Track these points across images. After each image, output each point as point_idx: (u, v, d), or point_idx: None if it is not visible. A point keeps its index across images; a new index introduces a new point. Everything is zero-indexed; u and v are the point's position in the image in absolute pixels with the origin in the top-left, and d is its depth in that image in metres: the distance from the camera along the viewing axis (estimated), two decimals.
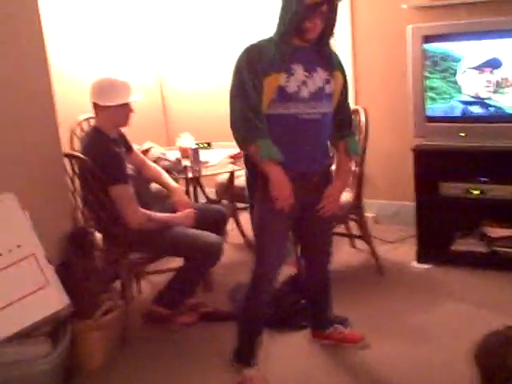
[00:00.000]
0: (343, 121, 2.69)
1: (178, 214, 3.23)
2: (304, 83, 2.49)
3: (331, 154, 2.73)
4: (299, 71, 2.49)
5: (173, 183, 3.43)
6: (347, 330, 3.00)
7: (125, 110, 3.15)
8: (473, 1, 3.75)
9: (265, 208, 2.58)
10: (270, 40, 2.50)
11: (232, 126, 2.51)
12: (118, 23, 4.74)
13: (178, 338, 3.15)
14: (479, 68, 3.47)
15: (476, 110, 3.54)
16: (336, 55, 2.64)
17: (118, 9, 4.74)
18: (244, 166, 2.68)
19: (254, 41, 2.53)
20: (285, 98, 2.47)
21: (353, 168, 3.31)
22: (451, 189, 3.61)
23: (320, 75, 2.53)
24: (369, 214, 4.24)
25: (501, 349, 1.66)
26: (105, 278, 3.29)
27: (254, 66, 2.45)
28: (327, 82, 2.54)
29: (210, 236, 3.12)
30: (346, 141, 2.70)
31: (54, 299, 2.58)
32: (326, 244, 2.86)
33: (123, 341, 3.09)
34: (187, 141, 4.03)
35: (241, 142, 2.51)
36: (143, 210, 3.08)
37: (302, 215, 2.66)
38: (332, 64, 2.57)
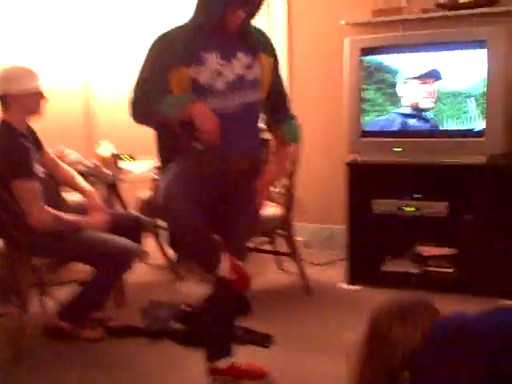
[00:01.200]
0: (278, 105, 2.51)
1: (89, 217, 2.94)
2: (219, 74, 2.30)
3: (264, 139, 2.52)
4: (212, 60, 2.30)
5: (87, 186, 3.15)
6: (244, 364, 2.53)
7: (37, 97, 2.90)
8: (409, 17, 3.73)
9: (180, 172, 2.34)
10: (183, 28, 2.32)
11: (131, 107, 2.36)
12: (47, 20, 4.57)
13: (82, 356, 2.82)
14: (421, 78, 3.38)
15: (413, 123, 3.44)
16: (263, 34, 2.44)
17: (48, 7, 4.54)
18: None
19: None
20: (198, 91, 2.28)
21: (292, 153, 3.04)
22: (384, 206, 3.45)
23: (241, 61, 2.33)
24: (299, 238, 4.05)
25: (385, 322, 1.69)
26: (3, 289, 2.99)
27: (160, 58, 2.30)
28: (249, 67, 2.34)
29: (122, 240, 2.85)
30: (281, 127, 2.51)
31: None
32: (239, 249, 2.49)
33: (17, 355, 2.73)
34: (107, 149, 3.76)
35: (145, 114, 2.35)
36: (49, 209, 2.79)
37: (221, 209, 2.42)
38: (255, 46, 2.37)
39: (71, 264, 3.22)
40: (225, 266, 2.35)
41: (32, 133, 3.02)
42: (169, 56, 2.28)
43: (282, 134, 2.52)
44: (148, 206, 4.10)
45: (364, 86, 3.51)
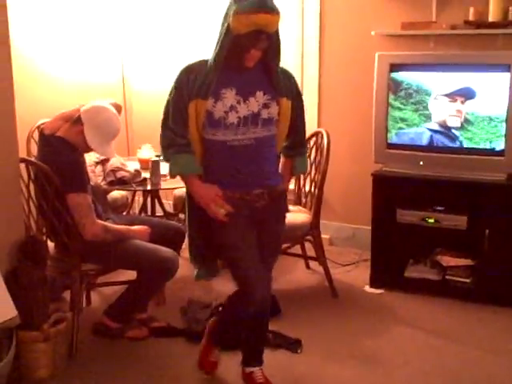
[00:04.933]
0: (294, 143, 2.70)
1: (135, 227, 3.18)
2: (233, 108, 2.44)
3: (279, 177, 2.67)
4: (229, 95, 2.44)
5: None
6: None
7: None
8: (441, 33, 3.84)
9: (215, 227, 2.55)
10: (205, 62, 2.47)
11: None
12: (84, 19, 4.58)
13: (126, 353, 3.10)
14: (449, 96, 3.52)
15: (438, 139, 3.59)
16: (289, 79, 2.58)
17: (85, 4, 4.61)
18: None
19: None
20: (213, 123, 2.45)
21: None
22: (407, 216, 3.65)
23: (258, 100, 2.47)
24: (324, 236, 4.26)
25: None
26: (54, 289, 3.24)
27: (182, 92, 2.46)
28: (266, 106, 2.48)
29: (166, 251, 3.07)
30: (293, 159, 2.73)
31: (1, 309, 2.50)
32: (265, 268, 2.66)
33: (70, 353, 3.01)
34: (147, 152, 3.96)
35: (165, 160, 2.60)
36: (100, 221, 3.03)
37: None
38: (278, 89, 2.50)
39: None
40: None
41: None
42: (188, 89, 2.44)
43: (293, 165, 2.73)
44: (183, 204, 4.33)
45: (392, 100, 3.67)
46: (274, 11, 2.30)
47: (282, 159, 2.73)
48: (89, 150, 3.13)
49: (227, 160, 2.50)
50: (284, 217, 2.74)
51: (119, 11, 4.84)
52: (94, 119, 3.06)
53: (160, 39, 4.87)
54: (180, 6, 4.78)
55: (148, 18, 4.90)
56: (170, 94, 2.52)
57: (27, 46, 4.03)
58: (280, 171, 2.70)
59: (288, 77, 2.59)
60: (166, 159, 2.57)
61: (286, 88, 2.54)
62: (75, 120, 3.06)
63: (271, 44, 2.40)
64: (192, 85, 2.43)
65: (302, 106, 2.68)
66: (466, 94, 3.48)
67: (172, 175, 2.62)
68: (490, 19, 3.63)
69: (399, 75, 3.65)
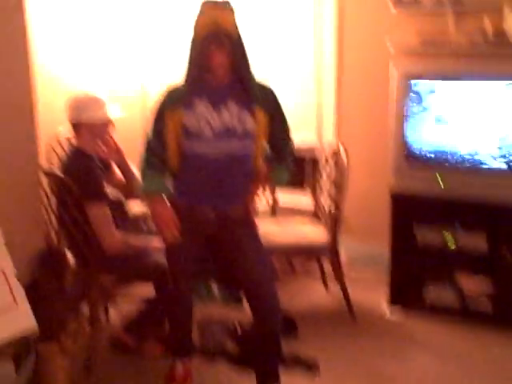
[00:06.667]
0: (276, 154, 2.73)
1: (153, 241, 3.16)
2: (207, 122, 2.49)
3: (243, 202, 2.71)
4: (200, 104, 2.50)
5: None
6: None
7: (105, 124, 3.16)
8: (455, 46, 3.79)
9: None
10: (183, 80, 2.57)
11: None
12: (106, 31, 4.61)
13: (143, 369, 3.07)
14: (465, 111, 3.49)
15: (458, 157, 3.54)
16: (263, 89, 2.60)
17: (106, 16, 4.65)
18: None
19: None
20: (188, 135, 2.52)
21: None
22: (427, 236, 3.61)
23: (231, 111, 2.51)
24: (342, 255, 4.23)
25: None
26: (73, 300, 3.22)
27: (159, 109, 2.59)
28: (240, 120, 2.51)
29: None
30: (273, 169, 2.74)
31: (21, 321, 2.48)
32: (258, 287, 2.67)
33: (88, 366, 3.00)
34: None
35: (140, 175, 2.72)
36: (120, 233, 3.02)
37: (216, 255, 2.76)
38: (251, 99, 2.52)
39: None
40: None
41: (98, 154, 3.22)
42: (165, 102, 2.57)
43: (272, 173, 2.75)
44: None
45: (410, 114, 3.62)
46: (222, 5, 2.43)
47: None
48: (106, 132, 3.17)
49: (197, 171, 2.57)
50: (249, 237, 2.71)
51: (140, 25, 4.86)
52: (78, 108, 3.09)
53: (180, 55, 4.86)
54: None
55: (169, 32, 4.93)
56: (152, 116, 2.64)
57: (49, 57, 4.04)
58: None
59: (265, 91, 2.61)
60: (141, 175, 2.67)
61: (262, 100, 2.56)
62: (73, 129, 3.13)
63: (235, 49, 2.46)
64: (169, 98, 2.57)
65: (284, 120, 2.69)
66: (485, 109, 3.44)
67: (142, 190, 2.72)
68: (505, 27, 3.60)
69: (417, 87, 3.60)
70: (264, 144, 2.64)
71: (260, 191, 2.83)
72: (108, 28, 4.63)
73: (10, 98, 2.81)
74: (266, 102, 2.58)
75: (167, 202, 2.65)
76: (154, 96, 4.96)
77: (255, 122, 2.53)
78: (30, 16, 2.91)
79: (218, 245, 2.73)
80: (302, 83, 4.60)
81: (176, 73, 4.71)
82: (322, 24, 4.39)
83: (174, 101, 2.54)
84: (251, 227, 2.73)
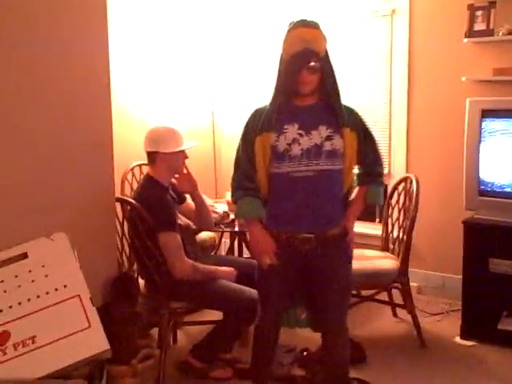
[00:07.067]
0: (368, 171, 2.69)
1: (222, 268, 3.23)
2: (295, 141, 2.51)
3: (338, 223, 2.64)
4: (292, 130, 2.52)
5: None
6: None
7: (182, 156, 3.24)
8: None
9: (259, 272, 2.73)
10: (269, 103, 2.59)
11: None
12: (176, 65, 4.80)
13: None
14: None
15: None
16: (351, 112, 2.61)
17: (177, 50, 4.83)
18: None
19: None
20: (278, 156, 2.53)
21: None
22: (501, 265, 3.52)
23: (320, 133, 2.52)
24: (413, 284, 4.16)
25: None
26: (144, 325, 3.31)
27: (248, 131, 2.61)
28: (328, 138, 2.52)
29: (252, 292, 3.08)
30: (367, 187, 2.70)
31: (94, 342, 2.57)
32: (335, 321, 2.68)
33: None
34: None
35: (232, 201, 2.71)
36: (190, 261, 3.10)
37: (307, 281, 2.67)
38: (340, 121, 2.54)
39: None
40: None
41: (174, 186, 3.35)
42: (254, 126, 2.58)
43: (367, 193, 2.70)
44: None
45: (484, 146, 3.60)
46: (312, 25, 2.47)
47: (356, 188, 2.73)
48: (182, 165, 3.27)
49: (287, 192, 2.56)
50: (342, 263, 2.67)
51: (210, 57, 5.04)
52: (156, 139, 3.18)
53: (250, 85, 5.01)
54: (270, 54, 4.90)
55: (239, 63, 5.08)
56: (241, 136, 2.66)
57: (123, 92, 4.25)
58: (352, 199, 2.70)
59: (350, 111, 2.63)
60: (234, 201, 2.68)
61: (349, 120, 2.57)
62: (149, 159, 3.23)
63: (324, 69, 2.49)
64: (257, 122, 2.57)
65: (372, 137, 2.68)
66: None
67: (237, 217, 2.76)
68: None
69: (491, 121, 3.57)
70: (354, 165, 2.64)
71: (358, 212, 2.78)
72: (180, 64, 4.82)
73: (93, 135, 2.97)
74: (355, 123, 2.60)
75: (264, 227, 2.64)
76: (224, 128, 5.16)
77: (345, 143, 2.55)
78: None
79: (309, 270, 2.67)
80: (374, 117, 4.58)
81: (245, 105, 4.97)
82: (393, 56, 4.44)
83: (263, 125, 2.55)
84: (346, 251, 2.69)
